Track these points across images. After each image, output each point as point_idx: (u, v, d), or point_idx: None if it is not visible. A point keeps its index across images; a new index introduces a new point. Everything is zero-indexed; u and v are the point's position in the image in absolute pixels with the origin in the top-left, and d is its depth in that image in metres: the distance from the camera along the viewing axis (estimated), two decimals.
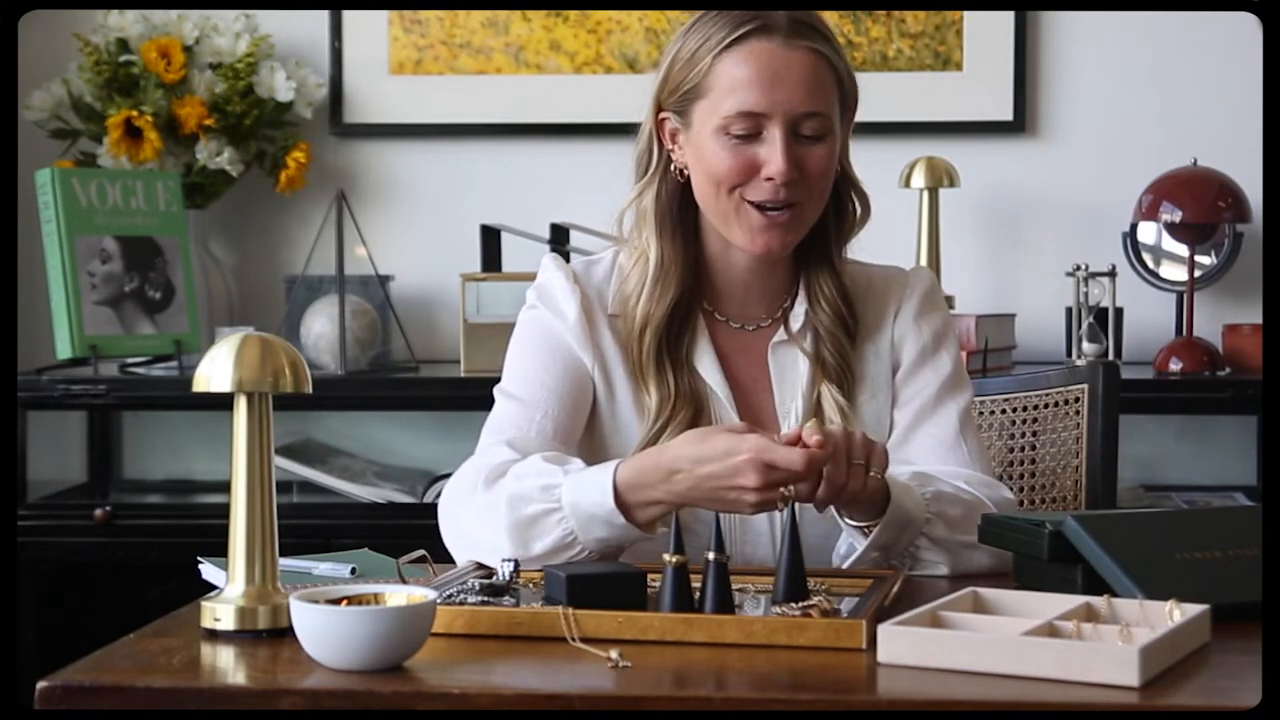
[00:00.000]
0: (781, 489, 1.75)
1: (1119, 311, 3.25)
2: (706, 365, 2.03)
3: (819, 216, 2.02)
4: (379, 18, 3.47)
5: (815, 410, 2.03)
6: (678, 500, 1.79)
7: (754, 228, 1.98)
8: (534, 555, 1.84)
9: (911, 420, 2.05)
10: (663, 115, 2.04)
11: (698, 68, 1.98)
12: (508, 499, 1.85)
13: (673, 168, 2.04)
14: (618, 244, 2.10)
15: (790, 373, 2.05)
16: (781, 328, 2.07)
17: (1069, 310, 3.27)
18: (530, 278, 2.12)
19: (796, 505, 1.75)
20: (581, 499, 1.82)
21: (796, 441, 1.75)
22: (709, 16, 2.00)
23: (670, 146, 2.04)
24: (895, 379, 2.08)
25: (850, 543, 1.91)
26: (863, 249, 2.13)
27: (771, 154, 1.95)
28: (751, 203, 1.97)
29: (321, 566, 1.90)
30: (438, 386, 3.22)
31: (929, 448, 2.03)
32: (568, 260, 2.12)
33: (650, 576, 1.70)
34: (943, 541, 1.90)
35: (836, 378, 2.04)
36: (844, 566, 1.92)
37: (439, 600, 1.59)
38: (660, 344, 2.02)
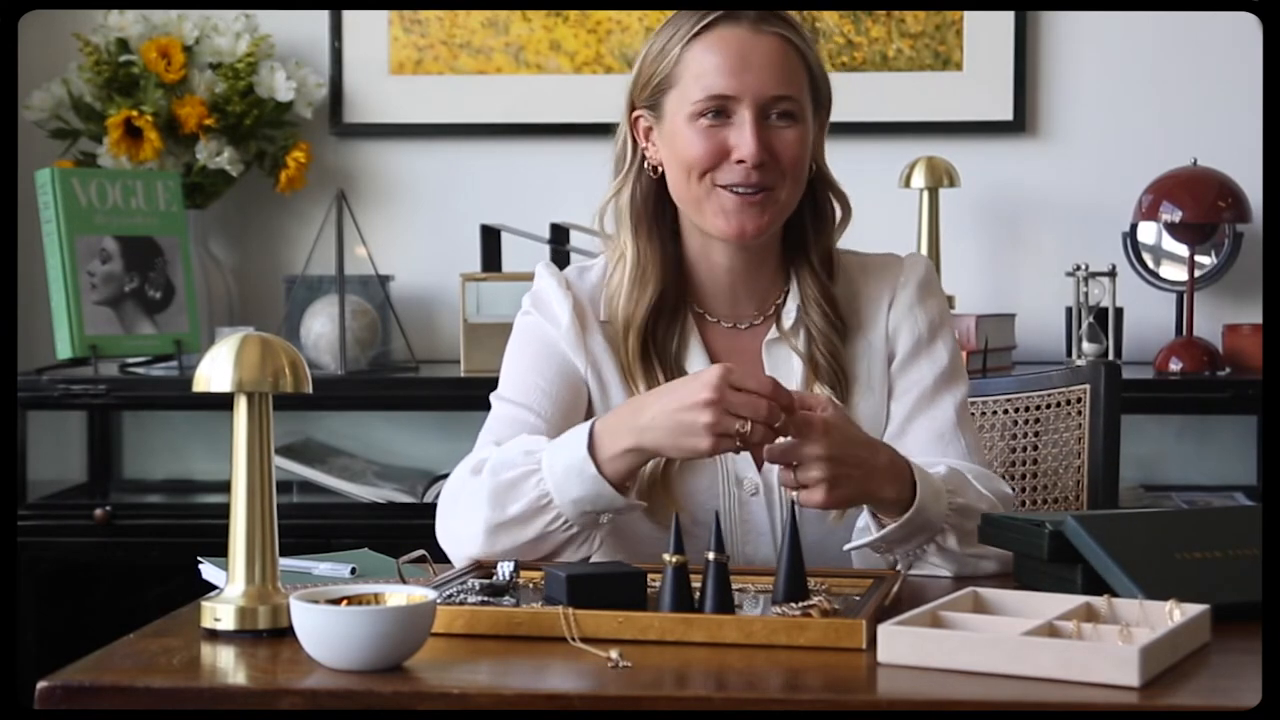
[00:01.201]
0: (737, 425, 1.76)
1: (1119, 311, 3.25)
2: (697, 368, 2.03)
3: (795, 205, 2.02)
4: (379, 18, 3.47)
5: None
6: (640, 438, 1.80)
7: (726, 210, 1.98)
8: (509, 517, 1.85)
9: (908, 412, 2.05)
10: (636, 113, 2.05)
11: (667, 59, 1.99)
12: (491, 467, 1.88)
13: (647, 165, 2.05)
14: (606, 249, 2.11)
15: (784, 370, 2.04)
16: (774, 325, 2.06)
17: (1069, 310, 3.27)
18: (530, 278, 2.13)
19: (796, 506, 1.75)
20: (559, 457, 1.84)
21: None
22: (677, 14, 2.02)
23: (644, 144, 2.05)
24: (891, 369, 2.07)
25: (868, 520, 1.91)
26: (864, 249, 2.12)
27: (741, 137, 1.96)
28: (723, 187, 1.97)
29: (321, 566, 1.90)
30: (438, 386, 3.22)
31: (926, 440, 2.03)
32: (565, 263, 2.13)
33: (650, 576, 1.70)
34: (951, 552, 1.90)
35: (829, 379, 2.03)
36: (848, 546, 1.92)
37: (439, 600, 1.59)
38: (646, 344, 2.02)
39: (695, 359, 2.04)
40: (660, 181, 2.04)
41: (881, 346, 2.07)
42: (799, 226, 2.05)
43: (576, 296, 2.06)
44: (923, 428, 2.04)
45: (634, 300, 2.03)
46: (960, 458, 2.02)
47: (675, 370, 2.02)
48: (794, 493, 1.81)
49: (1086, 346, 3.23)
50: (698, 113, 1.97)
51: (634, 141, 2.06)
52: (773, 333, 2.06)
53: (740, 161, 1.96)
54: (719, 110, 1.96)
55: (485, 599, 1.70)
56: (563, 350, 2.04)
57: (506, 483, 1.86)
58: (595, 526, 1.88)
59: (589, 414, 2.04)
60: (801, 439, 1.79)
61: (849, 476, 1.81)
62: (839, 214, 2.08)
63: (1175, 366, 3.17)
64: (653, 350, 2.02)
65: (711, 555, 1.64)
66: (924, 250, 3.28)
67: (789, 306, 2.06)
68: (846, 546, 1.92)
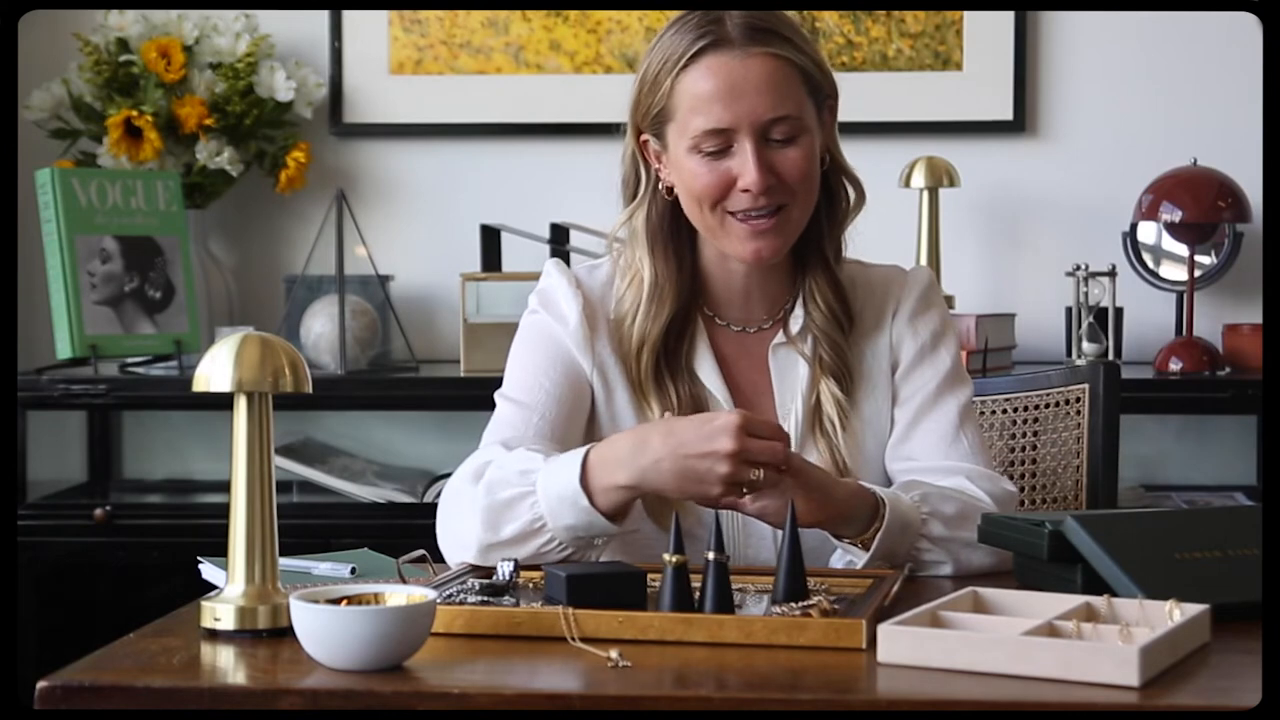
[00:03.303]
0: (752, 474, 1.75)
1: (1119, 311, 3.25)
2: (706, 371, 2.03)
3: (810, 215, 2.02)
4: (379, 18, 3.47)
5: (814, 409, 2.03)
6: (642, 478, 1.77)
7: (741, 237, 1.98)
8: (502, 539, 1.83)
9: (912, 417, 2.06)
10: (644, 137, 2.04)
11: (660, 91, 1.98)
12: (486, 484, 1.86)
13: (661, 186, 2.04)
14: (613, 255, 2.10)
15: (790, 374, 2.05)
16: (781, 330, 2.07)
17: (1069, 310, 3.27)
18: (530, 277, 2.13)
19: (795, 506, 1.75)
20: (553, 482, 1.82)
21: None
22: (672, 28, 1.98)
23: (657, 166, 2.04)
24: (895, 377, 2.07)
25: (849, 560, 1.91)
26: (864, 249, 2.12)
27: (744, 166, 1.94)
28: (735, 214, 1.97)
29: (321, 566, 1.90)
30: (438, 386, 3.22)
31: (930, 443, 2.04)
32: (569, 263, 2.12)
33: (650, 576, 1.70)
34: (943, 540, 1.90)
35: (834, 374, 2.04)
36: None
37: (439, 600, 1.59)
38: (658, 360, 2.02)
39: (704, 363, 2.04)
40: (675, 201, 2.04)
41: (885, 354, 2.08)
42: (814, 215, 2.04)
43: (586, 295, 2.06)
44: (927, 430, 2.05)
45: (650, 318, 2.02)
46: (964, 459, 2.02)
47: (686, 376, 2.02)
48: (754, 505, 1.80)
49: (1086, 346, 3.23)
50: (696, 146, 1.96)
51: (645, 164, 2.05)
52: (780, 337, 2.06)
53: (745, 190, 1.95)
54: (717, 142, 1.95)
55: (485, 599, 1.70)
56: (569, 350, 2.04)
57: (502, 503, 1.84)
58: (590, 548, 1.86)
59: (593, 415, 2.04)
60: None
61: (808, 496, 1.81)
62: (852, 199, 2.08)
63: (1175, 366, 3.17)
64: (664, 362, 2.02)
65: (711, 555, 1.64)
66: (924, 250, 3.28)
67: (797, 311, 2.06)
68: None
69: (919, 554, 1.90)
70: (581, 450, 1.82)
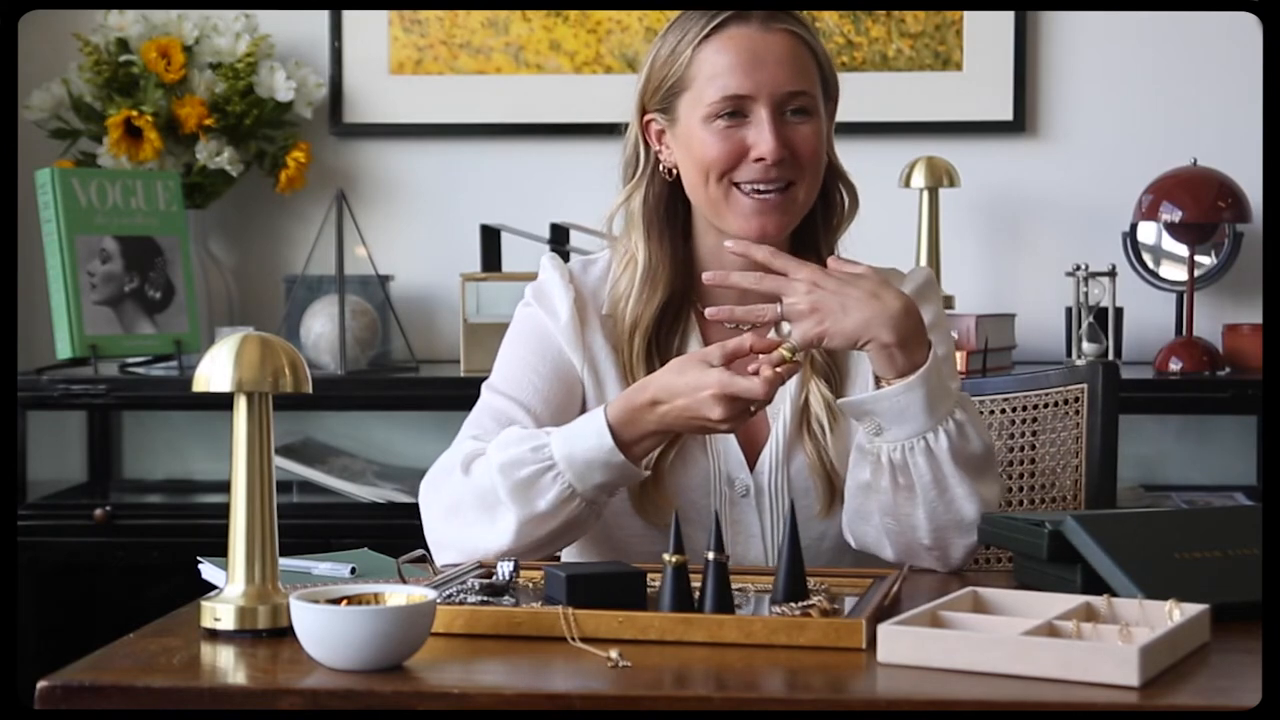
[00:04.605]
0: (750, 406, 1.85)
1: (1119, 311, 3.25)
2: None
3: (813, 202, 2.03)
4: (379, 18, 3.47)
5: (803, 409, 2.03)
6: (665, 428, 1.88)
7: (746, 212, 1.98)
8: (540, 512, 1.88)
9: None
10: (648, 117, 2.05)
11: (679, 62, 2.00)
12: (499, 466, 1.89)
13: (661, 168, 2.05)
14: (610, 245, 2.11)
15: None
16: (774, 329, 2.07)
17: (1069, 310, 3.27)
18: (530, 278, 2.13)
19: (796, 506, 1.75)
20: (576, 449, 1.87)
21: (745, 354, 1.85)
22: (684, 16, 2.02)
23: (658, 148, 2.05)
24: None
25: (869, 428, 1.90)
26: (864, 249, 2.12)
27: (760, 135, 1.96)
28: (742, 187, 1.98)
29: (321, 566, 1.90)
30: (438, 386, 3.22)
31: None
32: (568, 259, 2.13)
33: (650, 576, 1.70)
34: (938, 463, 1.88)
35: (824, 374, 2.05)
36: (841, 401, 1.93)
37: (439, 600, 1.59)
38: (650, 345, 2.03)
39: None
40: (674, 184, 2.05)
41: None
42: (810, 219, 2.05)
43: (579, 290, 2.07)
44: None
45: (643, 302, 2.03)
46: None
47: None
48: (787, 329, 1.87)
49: (1086, 346, 3.23)
50: (713, 114, 1.97)
51: (646, 145, 2.06)
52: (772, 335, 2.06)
53: (759, 159, 1.96)
54: (735, 110, 1.97)
55: (485, 599, 1.70)
56: (559, 346, 2.05)
57: (525, 481, 1.88)
58: (606, 504, 1.94)
59: (582, 411, 2.04)
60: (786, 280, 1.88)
61: (840, 305, 1.85)
62: (847, 204, 2.08)
63: (1175, 366, 3.17)
64: (655, 352, 2.03)
65: (711, 555, 1.64)
66: (924, 250, 3.28)
67: None
68: (840, 401, 1.94)
69: (912, 453, 1.87)
70: (596, 416, 1.89)
